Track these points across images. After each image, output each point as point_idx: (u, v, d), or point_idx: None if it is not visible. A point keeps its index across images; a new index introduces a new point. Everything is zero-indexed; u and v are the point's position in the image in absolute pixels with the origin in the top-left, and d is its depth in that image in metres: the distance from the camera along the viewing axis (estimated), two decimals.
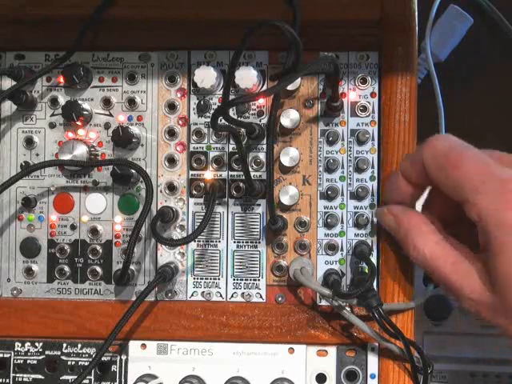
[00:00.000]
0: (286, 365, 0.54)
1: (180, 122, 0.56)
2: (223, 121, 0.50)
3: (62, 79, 0.56)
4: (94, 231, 0.56)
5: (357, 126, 0.55)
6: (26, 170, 0.54)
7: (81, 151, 0.55)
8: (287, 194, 0.54)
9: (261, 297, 0.55)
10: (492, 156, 0.46)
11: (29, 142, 0.56)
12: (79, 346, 0.56)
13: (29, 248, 0.56)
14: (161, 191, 0.56)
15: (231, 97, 0.54)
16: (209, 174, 0.55)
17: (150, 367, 0.55)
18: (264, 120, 0.55)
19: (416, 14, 0.54)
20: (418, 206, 0.51)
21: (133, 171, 0.54)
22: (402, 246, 0.50)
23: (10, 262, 0.57)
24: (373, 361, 0.54)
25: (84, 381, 0.55)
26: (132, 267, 0.55)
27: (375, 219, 0.54)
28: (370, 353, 0.54)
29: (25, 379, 0.56)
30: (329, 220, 0.54)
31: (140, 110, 0.56)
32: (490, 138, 0.57)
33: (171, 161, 0.56)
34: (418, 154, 0.48)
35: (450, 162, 0.45)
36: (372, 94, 0.55)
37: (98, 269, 0.56)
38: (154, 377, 0.55)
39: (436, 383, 0.65)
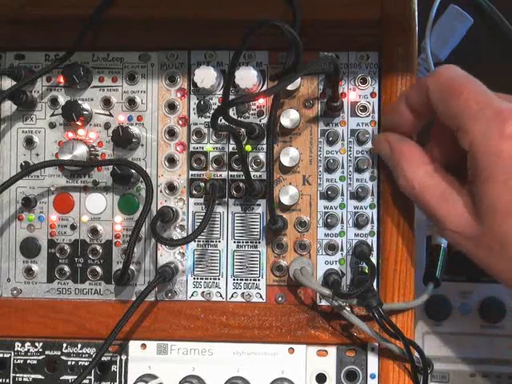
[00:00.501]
0: (286, 365, 0.54)
1: (180, 122, 0.56)
2: (223, 121, 0.50)
3: (62, 79, 0.56)
4: (93, 231, 0.56)
5: (357, 125, 0.55)
6: (26, 170, 0.54)
7: (81, 151, 0.55)
8: (287, 193, 0.54)
9: (261, 297, 0.55)
10: (496, 95, 0.46)
11: (29, 142, 0.56)
12: (79, 345, 0.56)
13: (29, 248, 0.56)
14: (161, 191, 0.56)
15: (231, 97, 0.54)
16: (209, 174, 0.56)
17: (150, 367, 0.55)
18: (264, 120, 0.55)
19: (416, 14, 0.54)
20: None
21: (133, 171, 0.54)
22: (393, 174, 0.51)
23: (9, 261, 0.57)
24: (373, 361, 0.54)
25: (84, 381, 0.55)
26: (132, 267, 0.55)
27: (375, 218, 0.54)
28: (369, 353, 0.54)
29: (25, 379, 0.56)
30: (329, 220, 0.54)
31: (140, 110, 0.56)
32: None
33: (171, 161, 0.56)
34: (424, 81, 0.48)
35: (452, 89, 0.46)
36: (372, 94, 0.55)
37: (98, 269, 0.56)
38: (154, 377, 0.55)
39: (436, 383, 0.65)
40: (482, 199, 0.44)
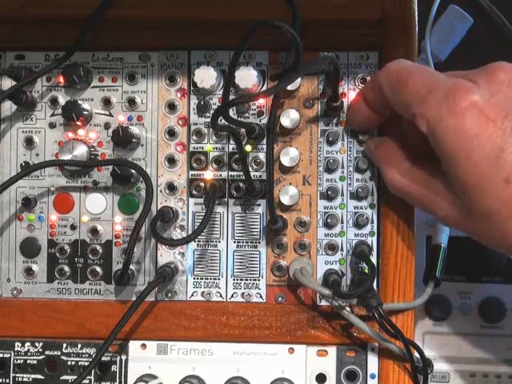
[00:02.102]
0: (286, 365, 0.54)
1: (180, 122, 0.56)
2: (223, 121, 0.50)
3: (62, 79, 0.56)
4: (93, 231, 0.56)
5: None
6: (26, 170, 0.53)
7: (81, 151, 0.55)
8: (287, 193, 0.54)
9: (261, 297, 0.55)
10: (446, 74, 0.47)
11: (29, 142, 0.56)
12: (79, 346, 0.56)
13: (29, 248, 0.56)
14: (161, 191, 0.56)
15: (231, 97, 0.54)
16: (209, 174, 0.56)
17: (150, 367, 0.55)
18: (264, 120, 0.55)
19: (416, 13, 0.54)
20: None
21: (133, 171, 0.54)
22: None
23: (9, 261, 0.57)
24: (373, 361, 0.54)
25: (84, 381, 0.55)
26: (132, 267, 0.55)
27: (375, 218, 0.54)
28: (369, 353, 0.54)
29: (25, 379, 0.56)
30: (329, 220, 0.54)
31: (140, 110, 0.56)
32: None
33: (171, 161, 0.56)
34: (376, 78, 0.50)
35: (400, 80, 0.47)
36: None
37: (98, 269, 0.56)
38: (154, 377, 0.55)
39: (436, 383, 0.65)
40: (453, 179, 0.45)
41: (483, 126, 0.43)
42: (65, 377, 0.56)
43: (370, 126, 0.53)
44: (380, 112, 0.51)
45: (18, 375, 0.56)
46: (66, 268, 0.56)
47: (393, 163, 0.50)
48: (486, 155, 0.43)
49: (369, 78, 0.54)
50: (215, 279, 0.56)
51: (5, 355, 0.56)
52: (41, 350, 0.56)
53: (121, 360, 0.55)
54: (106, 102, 0.56)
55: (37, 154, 0.57)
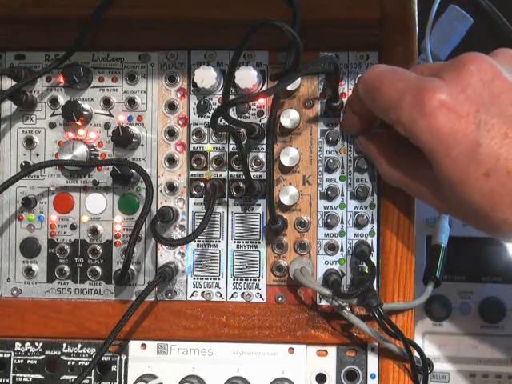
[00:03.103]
0: (286, 365, 0.54)
1: (180, 122, 0.56)
2: (223, 121, 0.50)
3: (62, 79, 0.56)
4: (93, 231, 0.56)
5: None
6: (26, 170, 0.53)
7: (81, 151, 0.55)
8: (287, 194, 0.54)
9: (261, 297, 0.55)
10: (417, 70, 0.48)
11: (29, 142, 0.56)
12: (79, 345, 0.56)
13: (29, 248, 0.56)
14: (161, 191, 0.56)
15: (231, 97, 0.54)
16: (209, 174, 0.56)
17: (150, 367, 0.55)
18: (264, 120, 0.55)
19: (416, 13, 0.54)
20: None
21: (133, 171, 0.54)
22: None
23: (10, 261, 0.57)
24: (373, 361, 0.54)
25: (84, 381, 0.55)
26: (132, 267, 0.55)
27: (375, 218, 0.54)
28: (369, 353, 0.54)
29: (25, 379, 0.56)
30: (329, 220, 0.54)
31: (140, 110, 0.56)
32: None
33: (171, 161, 0.56)
34: (355, 87, 0.50)
35: (375, 87, 0.47)
36: None
37: (98, 269, 0.56)
38: (154, 377, 0.55)
39: (436, 383, 0.65)
40: (437, 175, 0.45)
41: (456, 123, 0.43)
42: (65, 377, 0.56)
43: (363, 130, 0.53)
44: (367, 118, 0.51)
45: (17, 375, 0.56)
46: (66, 268, 0.56)
47: (382, 160, 0.51)
48: (463, 151, 0.43)
49: None
50: (215, 279, 0.56)
51: (5, 355, 0.56)
52: (41, 350, 0.56)
53: (121, 360, 0.55)
54: (106, 102, 0.56)
55: (37, 154, 0.57)
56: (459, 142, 0.43)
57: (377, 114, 0.49)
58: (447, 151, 0.43)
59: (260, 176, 0.55)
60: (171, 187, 0.55)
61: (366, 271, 0.54)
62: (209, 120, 0.55)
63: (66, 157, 0.55)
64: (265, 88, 0.55)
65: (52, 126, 0.57)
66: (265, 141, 0.55)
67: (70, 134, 0.56)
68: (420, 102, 0.44)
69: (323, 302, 0.54)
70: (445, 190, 0.45)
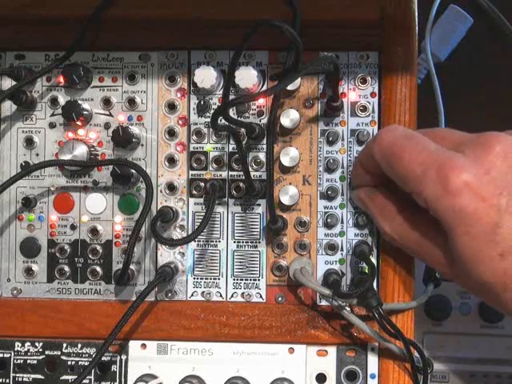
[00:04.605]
0: (286, 365, 0.54)
1: (180, 122, 0.56)
2: (223, 121, 0.50)
3: (62, 79, 0.56)
4: (94, 231, 0.56)
5: (357, 125, 0.55)
6: (26, 170, 0.54)
7: (81, 151, 0.55)
8: (287, 194, 0.54)
9: (261, 297, 0.55)
10: (436, 137, 0.47)
11: (29, 142, 0.56)
12: (79, 345, 0.56)
13: (29, 248, 0.56)
14: (161, 191, 0.56)
15: (231, 97, 0.54)
16: (209, 174, 0.56)
17: (150, 367, 0.55)
18: (264, 120, 0.55)
19: (416, 13, 0.54)
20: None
21: (133, 171, 0.54)
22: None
23: (10, 261, 0.57)
24: (373, 361, 0.54)
25: (84, 381, 0.55)
26: (132, 267, 0.55)
27: None
28: (369, 353, 0.54)
29: (25, 379, 0.56)
30: (329, 220, 0.54)
31: (140, 110, 0.56)
32: None
33: (171, 161, 0.56)
34: (370, 147, 0.49)
35: (394, 155, 0.47)
36: (372, 94, 0.55)
37: (98, 269, 0.56)
38: (153, 377, 0.55)
39: (436, 383, 0.65)
40: (452, 250, 0.45)
41: (479, 205, 0.43)
42: (65, 377, 0.56)
43: (370, 184, 0.52)
44: (378, 176, 0.51)
45: (18, 375, 0.56)
46: (66, 268, 0.56)
47: (386, 217, 0.50)
48: (483, 230, 0.43)
49: (369, 79, 0.54)
50: (215, 279, 0.56)
51: (5, 355, 0.56)
52: (41, 350, 0.56)
53: (121, 360, 0.55)
54: (106, 102, 0.56)
55: (37, 154, 0.57)
56: (480, 222, 0.43)
57: (393, 179, 0.48)
58: (467, 228, 0.43)
59: (260, 176, 0.55)
60: (171, 187, 0.56)
61: (366, 271, 0.54)
62: (209, 120, 0.55)
63: (66, 157, 0.55)
64: (265, 88, 0.55)
65: (52, 125, 0.57)
66: (265, 141, 0.55)
67: (70, 134, 0.56)
68: (444, 179, 0.44)
69: (323, 302, 0.54)
70: (456, 261, 0.45)
